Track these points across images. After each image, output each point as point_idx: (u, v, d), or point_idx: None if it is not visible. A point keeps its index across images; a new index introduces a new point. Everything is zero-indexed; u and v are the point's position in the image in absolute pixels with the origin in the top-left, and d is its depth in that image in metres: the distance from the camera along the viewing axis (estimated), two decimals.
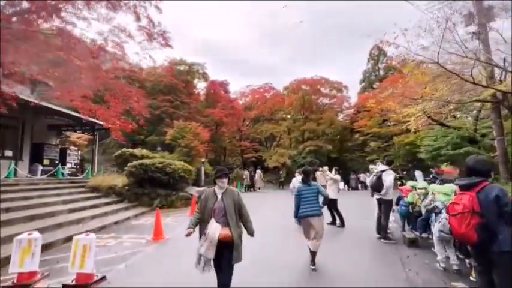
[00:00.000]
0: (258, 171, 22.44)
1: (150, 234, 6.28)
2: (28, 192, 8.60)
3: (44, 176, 12.25)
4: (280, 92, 33.84)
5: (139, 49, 7.64)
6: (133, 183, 11.30)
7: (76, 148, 17.65)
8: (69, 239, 5.90)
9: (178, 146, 18.19)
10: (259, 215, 7.17)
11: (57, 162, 15.37)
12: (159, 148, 22.58)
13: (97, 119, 8.36)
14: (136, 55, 7.23)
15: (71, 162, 16.52)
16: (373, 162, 24.43)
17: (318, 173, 22.32)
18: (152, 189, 11.17)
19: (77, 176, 14.94)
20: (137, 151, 13.62)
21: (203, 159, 18.10)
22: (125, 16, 7.47)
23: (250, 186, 21.15)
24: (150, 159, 11.61)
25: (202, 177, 16.87)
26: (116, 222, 7.86)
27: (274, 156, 26.80)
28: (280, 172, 25.43)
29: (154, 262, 4.84)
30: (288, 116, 33.96)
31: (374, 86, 31.79)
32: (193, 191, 12.09)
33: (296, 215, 4.51)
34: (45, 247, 5.17)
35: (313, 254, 4.39)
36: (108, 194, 10.92)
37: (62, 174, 14.69)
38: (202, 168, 17.10)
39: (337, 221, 7.70)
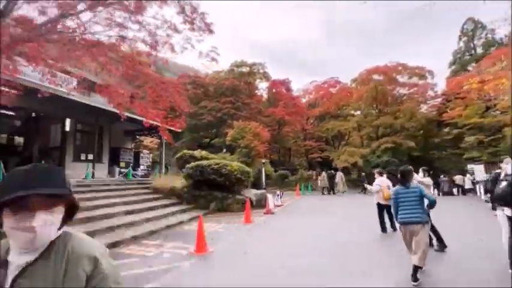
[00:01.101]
0: (340, 174, 19.58)
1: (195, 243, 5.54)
2: (96, 193, 9.05)
3: (118, 177, 13.20)
4: (347, 85, 30.78)
5: (182, 40, 7.16)
6: (191, 185, 11.10)
7: (148, 151, 19.03)
8: (114, 244, 5.62)
9: (238, 147, 17.79)
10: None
11: (131, 164, 16.74)
12: (224, 150, 22.89)
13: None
14: (180, 47, 6.70)
15: (143, 165, 17.82)
16: (472, 161, 19.57)
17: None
18: (209, 191, 10.75)
19: (148, 177, 15.89)
20: (196, 152, 13.58)
21: (264, 160, 17.28)
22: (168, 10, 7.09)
23: (330, 189, 18.79)
24: (207, 161, 11.24)
25: (263, 179, 16.01)
26: (167, 227, 7.47)
27: (342, 156, 24.18)
28: (363, 174, 21.77)
29: (185, 284, 3.95)
30: (358, 112, 30.60)
31: (469, 67, 25.93)
32: (251, 194, 11.23)
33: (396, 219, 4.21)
34: None
35: (414, 268, 3.65)
36: (169, 196, 10.95)
37: (134, 175, 15.86)
38: (263, 170, 16.25)
39: (434, 241, 5.57)
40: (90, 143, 12.89)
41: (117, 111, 7.63)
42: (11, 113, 13.48)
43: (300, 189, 18.02)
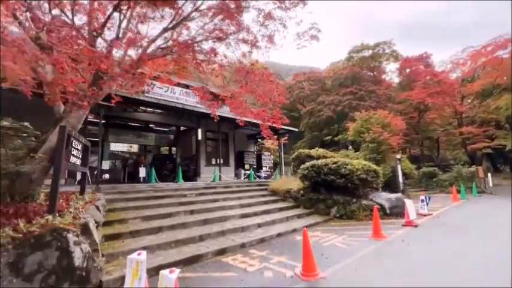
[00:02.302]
0: None
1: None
2: (218, 195, 9.62)
3: (243, 179, 13.95)
4: None
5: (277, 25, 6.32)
6: (308, 187, 10.08)
7: (269, 153, 19.54)
8: (222, 251, 5.37)
9: (363, 142, 15.25)
10: None
11: (255, 167, 17.60)
12: (349, 147, 20.62)
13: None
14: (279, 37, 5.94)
15: (265, 166, 18.41)
16: None
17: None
18: (328, 194, 9.39)
19: (270, 178, 16.16)
20: (313, 151, 12.45)
21: (399, 156, 13.95)
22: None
23: None
24: (323, 160, 9.90)
25: (400, 179, 12.85)
26: (278, 235, 6.76)
27: None
28: None
29: None
30: None
31: None
32: (381, 198, 8.96)
33: None
34: (190, 261, 4.77)
35: None
36: (286, 199, 10.40)
37: (257, 177, 16.50)
38: (399, 167, 13.08)
39: None
40: (217, 148, 14.25)
41: (237, 118, 7.65)
42: (166, 129, 16.97)
43: (459, 192, 13.39)
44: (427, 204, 9.46)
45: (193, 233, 6.02)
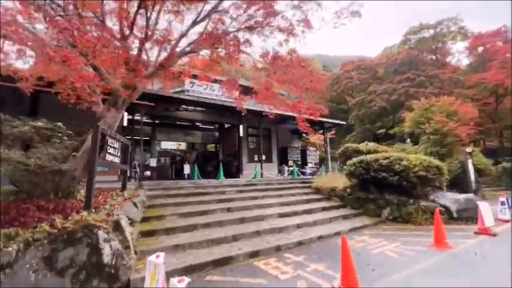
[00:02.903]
0: None
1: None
2: (258, 192, 9.34)
3: (287, 175, 13.47)
4: None
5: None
6: (355, 185, 9.15)
7: (314, 149, 18.61)
8: (255, 253, 5.04)
9: (423, 134, 13.37)
10: None
11: (299, 163, 16.92)
12: (407, 140, 18.50)
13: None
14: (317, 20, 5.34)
15: (311, 162, 17.57)
16: None
17: None
18: (379, 194, 8.36)
19: (315, 175, 15.34)
20: (362, 145, 11.31)
21: (470, 149, 11.82)
22: None
23: None
24: (373, 155, 8.85)
25: (471, 177, 10.88)
26: (319, 237, 6.15)
27: None
28: None
29: None
30: None
31: None
32: (446, 199, 7.60)
33: None
34: (220, 263, 4.53)
35: None
36: (330, 197, 9.62)
37: (303, 173, 15.81)
38: (469, 163, 11.08)
39: None
40: (259, 144, 13.98)
41: (267, 111, 7.31)
42: (211, 126, 17.36)
43: None
44: (510, 207, 7.75)
45: (228, 232, 5.81)
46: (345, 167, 9.52)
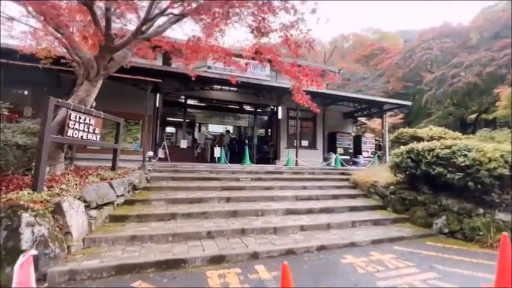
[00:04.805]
0: None
1: None
2: (276, 182, 8.16)
3: (333, 165, 11.62)
4: None
5: None
6: (402, 182, 6.99)
7: (372, 135, 15.77)
8: (215, 260, 4.00)
9: None
10: None
11: (351, 151, 14.61)
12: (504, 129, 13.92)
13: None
14: None
15: (367, 151, 14.99)
16: None
17: None
18: (433, 196, 6.11)
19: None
20: (423, 131, 8.69)
21: None
22: None
23: None
24: (428, 143, 6.47)
25: None
26: (320, 248, 4.65)
27: None
28: None
29: None
30: None
31: None
32: None
33: None
34: (167, 266, 3.70)
35: None
36: (370, 194, 7.71)
37: (355, 163, 13.61)
38: None
39: None
40: (296, 128, 12.41)
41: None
42: (259, 110, 16.30)
43: None
44: None
45: (207, 226, 4.94)
46: (389, 157, 7.36)
